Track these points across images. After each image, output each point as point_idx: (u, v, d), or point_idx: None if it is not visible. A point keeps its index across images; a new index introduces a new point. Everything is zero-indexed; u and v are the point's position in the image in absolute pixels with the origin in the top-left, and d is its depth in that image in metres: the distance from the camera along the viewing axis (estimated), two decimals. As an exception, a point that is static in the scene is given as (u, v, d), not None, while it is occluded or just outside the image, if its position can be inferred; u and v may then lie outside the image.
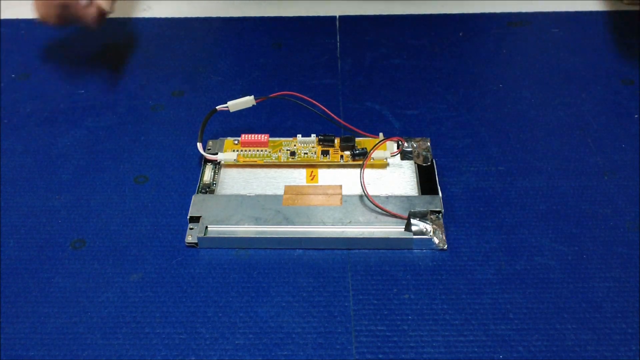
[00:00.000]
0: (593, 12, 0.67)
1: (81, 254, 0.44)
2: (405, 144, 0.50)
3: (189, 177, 0.49)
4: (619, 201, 0.47)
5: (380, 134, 0.50)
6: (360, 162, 0.48)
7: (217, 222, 0.45)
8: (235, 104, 0.49)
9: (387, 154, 0.48)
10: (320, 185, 0.47)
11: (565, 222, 0.45)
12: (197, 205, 0.46)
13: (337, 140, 0.50)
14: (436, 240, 0.44)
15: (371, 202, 0.46)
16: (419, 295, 0.41)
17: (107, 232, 0.45)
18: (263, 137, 0.50)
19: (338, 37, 0.65)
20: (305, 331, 0.39)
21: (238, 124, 0.54)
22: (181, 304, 0.41)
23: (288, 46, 0.63)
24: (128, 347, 0.39)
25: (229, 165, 0.49)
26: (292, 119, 0.55)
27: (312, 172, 0.49)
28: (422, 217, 0.44)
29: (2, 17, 0.68)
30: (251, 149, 0.50)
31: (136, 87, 0.59)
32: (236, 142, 0.50)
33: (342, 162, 0.49)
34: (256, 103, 0.50)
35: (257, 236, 0.44)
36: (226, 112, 0.50)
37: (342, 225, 0.44)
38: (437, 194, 0.46)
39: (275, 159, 0.49)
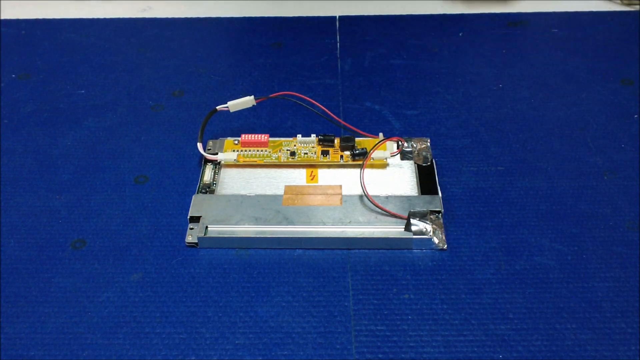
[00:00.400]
0: (593, 12, 0.67)
1: (81, 254, 0.44)
2: (405, 144, 0.50)
3: (189, 177, 0.49)
4: (618, 201, 0.47)
5: (380, 134, 0.50)
6: (360, 162, 0.48)
7: (217, 222, 0.45)
8: (235, 104, 0.50)
9: (387, 154, 0.48)
10: (320, 185, 0.47)
11: (565, 222, 0.45)
12: (197, 205, 0.46)
13: (337, 140, 0.50)
14: (436, 240, 0.44)
15: (371, 202, 0.46)
16: (418, 295, 0.41)
17: (107, 232, 0.45)
18: (263, 137, 0.50)
19: (338, 37, 0.65)
20: (305, 331, 0.39)
21: (238, 124, 0.54)
22: (181, 304, 0.41)
23: (288, 46, 0.63)
24: (128, 347, 0.39)
25: (229, 165, 0.49)
26: (292, 119, 0.55)
27: (312, 172, 0.49)
28: (422, 217, 0.44)
29: (2, 17, 0.68)
30: (251, 149, 0.50)
31: (136, 87, 0.59)
32: (236, 142, 0.50)
33: (342, 162, 0.49)
34: (256, 103, 0.50)
35: (257, 236, 0.44)
36: (226, 112, 0.50)
37: (342, 225, 0.44)
38: (437, 194, 0.46)
39: (275, 159, 0.49)
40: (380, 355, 0.38)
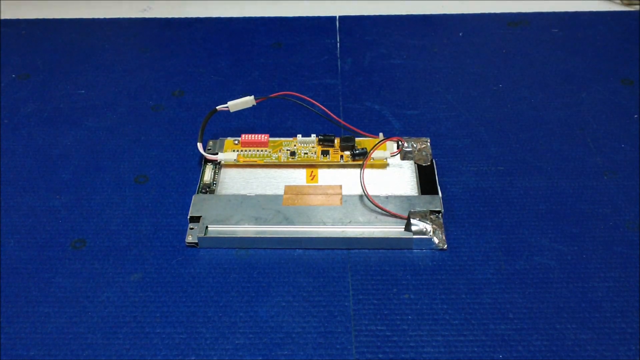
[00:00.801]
0: (593, 12, 0.67)
1: (81, 253, 0.44)
2: (405, 144, 0.50)
3: (189, 177, 0.49)
4: (618, 201, 0.47)
5: (380, 134, 0.50)
6: (360, 162, 0.48)
7: (217, 222, 0.45)
8: (235, 104, 0.49)
9: (387, 154, 0.48)
10: (320, 185, 0.47)
11: (565, 222, 0.45)
12: (197, 205, 0.46)
13: (337, 140, 0.50)
14: (436, 240, 0.44)
15: (371, 202, 0.46)
16: (419, 295, 0.41)
17: (108, 232, 0.45)
18: (263, 137, 0.50)
19: (338, 37, 0.65)
20: (305, 331, 0.39)
21: (238, 124, 0.54)
22: (181, 304, 0.41)
23: (288, 46, 0.63)
24: (128, 347, 0.39)
25: (229, 165, 0.49)
26: (292, 119, 0.55)
27: (312, 172, 0.49)
28: (422, 217, 0.44)
29: (2, 17, 0.68)
30: (251, 149, 0.50)
31: (136, 87, 0.59)
32: (236, 142, 0.50)
33: (342, 162, 0.49)
34: (256, 103, 0.50)
35: (257, 236, 0.44)
36: (226, 112, 0.50)
37: (342, 225, 0.44)
38: (437, 194, 0.46)
39: (275, 159, 0.49)
40: (380, 355, 0.38)
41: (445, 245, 0.44)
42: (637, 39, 0.63)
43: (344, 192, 0.47)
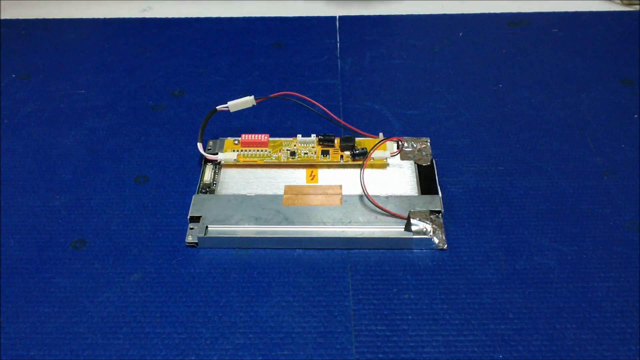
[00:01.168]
0: (593, 12, 0.67)
1: (81, 253, 0.44)
2: (405, 144, 0.50)
3: (189, 177, 0.49)
4: (618, 201, 0.47)
5: (380, 134, 0.50)
6: (360, 162, 0.48)
7: (217, 222, 0.45)
8: (235, 104, 0.49)
9: (387, 154, 0.48)
10: (320, 185, 0.47)
11: (565, 222, 0.45)
12: (197, 205, 0.46)
13: (337, 140, 0.50)
14: (436, 240, 0.44)
15: (371, 202, 0.46)
16: (418, 295, 0.41)
17: (108, 232, 0.45)
18: (263, 137, 0.50)
19: (338, 37, 0.65)
20: (305, 331, 0.39)
21: (238, 124, 0.54)
22: (181, 304, 0.41)
23: (288, 46, 0.63)
24: (128, 347, 0.39)
25: (229, 165, 0.49)
26: (292, 119, 0.55)
27: (312, 172, 0.49)
28: (422, 217, 0.44)
29: (2, 17, 0.68)
30: (251, 149, 0.50)
31: (136, 87, 0.59)
32: (236, 142, 0.50)
33: (342, 162, 0.49)
34: (256, 103, 0.50)
35: (257, 236, 0.44)
36: (226, 112, 0.50)
37: (342, 225, 0.44)
38: (437, 193, 0.46)
39: (275, 159, 0.49)
40: (380, 355, 0.38)
41: (445, 245, 0.44)
42: (637, 39, 0.63)
43: (344, 192, 0.47)
